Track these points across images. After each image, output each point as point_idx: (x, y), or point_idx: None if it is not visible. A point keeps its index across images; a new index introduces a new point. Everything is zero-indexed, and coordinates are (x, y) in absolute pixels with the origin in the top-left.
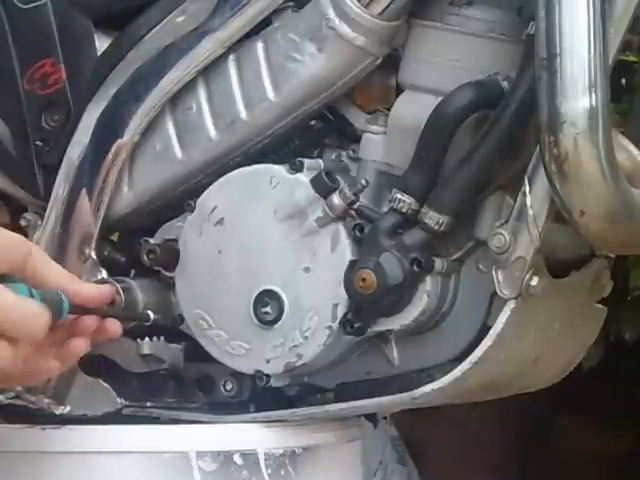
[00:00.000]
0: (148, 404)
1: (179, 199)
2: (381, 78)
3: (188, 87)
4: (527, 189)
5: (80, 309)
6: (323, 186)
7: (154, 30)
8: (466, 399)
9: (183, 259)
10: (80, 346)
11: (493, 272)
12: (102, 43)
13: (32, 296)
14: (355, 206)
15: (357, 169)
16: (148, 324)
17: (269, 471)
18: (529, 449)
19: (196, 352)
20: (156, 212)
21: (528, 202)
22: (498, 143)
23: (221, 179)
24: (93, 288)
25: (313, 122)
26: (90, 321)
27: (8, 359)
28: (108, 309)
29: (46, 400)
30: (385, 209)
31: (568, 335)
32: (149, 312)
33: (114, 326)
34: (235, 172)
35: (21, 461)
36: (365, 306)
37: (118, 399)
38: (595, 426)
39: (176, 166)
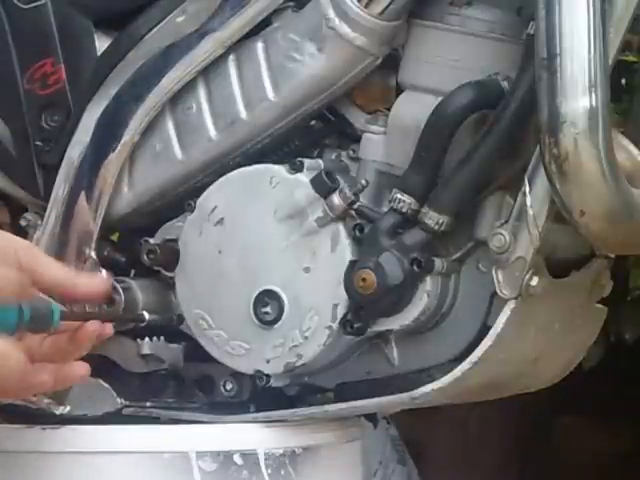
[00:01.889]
0: (148, 404)
1: (179, 199)
2: (381, 78)
3: (188, 87)
4: (527, 189)
5: (72, 316)
6: (323, 186)
7: (154, 30)
8: (466, 399)
9: (183, 259)
10: (80, 370)
11: (493, 272)
12: (102, 43)
13: (22, 310)
14: (355, 206)
15: (357, 169)
16: (143, 324)
17: (269, 471)
18: (529, 449)
19: (196, 352)
20: (156, 212)
21: (528, 202)
22: (498, 143)
23: (221, 179)
24: (90, 283)
25: (313, 122)
26: (93, 327)
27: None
28: (102, 312)
29: (46, 400)
30: (385, 209)
31: (568, 335)
32: (144, 313)
33: (106, 327)
34: (235, 172)
35: (21, 461)
36: (365, 306)
37: (118, 399)
38: (595, 426)
39: (176, 166)
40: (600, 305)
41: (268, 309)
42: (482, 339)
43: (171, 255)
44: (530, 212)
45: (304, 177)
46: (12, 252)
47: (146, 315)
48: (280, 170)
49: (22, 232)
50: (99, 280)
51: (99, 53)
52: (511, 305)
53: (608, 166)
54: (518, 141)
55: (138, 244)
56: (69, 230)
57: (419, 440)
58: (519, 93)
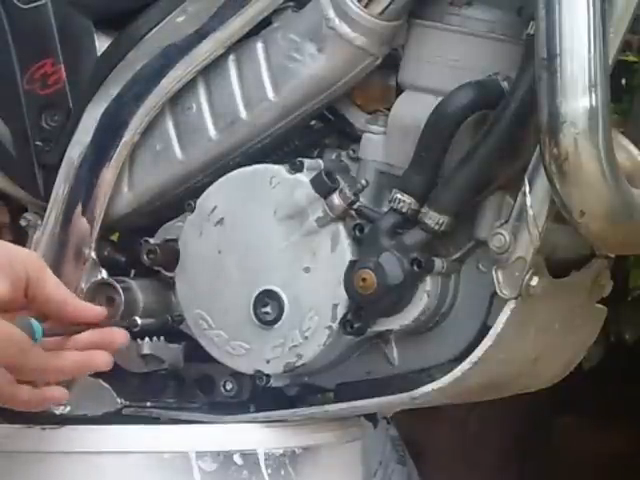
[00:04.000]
0: (148, 404)
1: (179, 199)
2: (381, 78)
3: (188, 87)
4: (527, 189)
5: (56, 331)
6: (323, 186)
7: (154, 30)
8: (466, 399)
9: (183, 259)
10: (103, 361)
11: (493, 272)
12: (102, 43)
13: None
14: (355, 206)
15: (357, 169)
16: (136, 329)
17: (269, 471)
18: (529, 449)
19: (196, 352)
20: (156, 212)
21: (528, 202)
22: (498, 143)
23: (221, 179)
24: (89, 309)
25: (313, 122)
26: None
27: None
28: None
29: None
30: (385, 209)
31: (568, 335)
32: (136, 319)
33: (121, 335)
34: (235, 172)
35: (21, 461)
36: (365, 306)
37: (118, 399)
38: (595, 426)
39: (176, 166)
40: (600, 305)
41: (268, 309)
42: (482, 339)
43: (171, 255)
44: (530, 212)
45: (304, 177)
46: (21, 267)
47: (138, 321)
48: (280, 170)
49: (22, 232)
50: (98, 310)
51: (99, 53)
52: (511, 305)
53: (608, 166)
54: (518, 141)
55: (138, 244)
56: (69, 230)
57: (419, 440)
58: (519, 93)
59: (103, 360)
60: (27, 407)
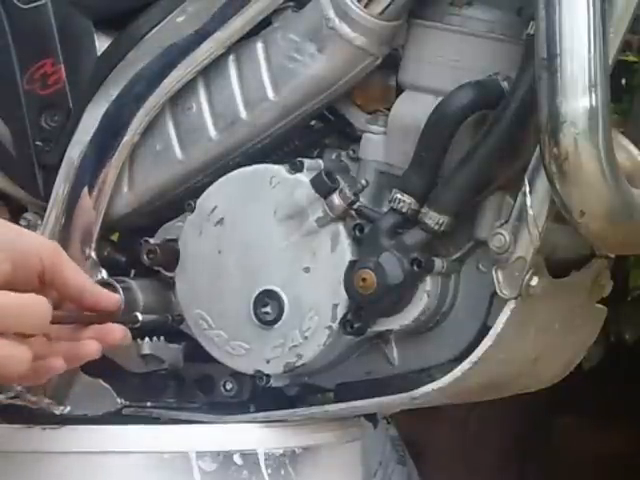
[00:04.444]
0: (148, 404)
1: (179, 199)
2: (381, 78)
3: (188, 87)
4: (527, 189)
5: (62, 318)
6: (323, 186)
7: (154, 30)
8: (466, 399)
9: (183, 259)
10: (92, 348)
11: (493, 272)
12: (102, 43)
13: None
14: (355, 206)
15: (357, 169)
16: (137, 326)
17: (269, 471)
18: (529, 449)
19: (196, 352)
20: (156, 212)
21: (528, 202)
22: (498, 143)
23: (221, 179)
24: (108, 297)
25: (313, 122)
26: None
27: (23, 359)
28: (93, 315)
29: (46, 400)
30: (385, 209)
31: (568, 335)
32: (137, 314)
33: (121, 332)
34: (235, 172)
35: (21, 461)
36: (365, 306)
37: (118, 399)
38: (595, 426)
39: (176, 166)
40: (600, 305)
41: (268, 309)
42: (482, 339)
43: (171, 255)
44: (530, 212)
45: (304, 177)
46: (34, 254)
47: (139, 316)
48: (280, 170)
49: None
50: (116, 298)
51: (99, 53)
52: (511, 305)
53: (608, 166)
54: (518, 141)
55: (138, 244)
56: (69, 230)
57: (419, 440)
58: (519, 93)
59: (92, 347)
60: (32, 379)
